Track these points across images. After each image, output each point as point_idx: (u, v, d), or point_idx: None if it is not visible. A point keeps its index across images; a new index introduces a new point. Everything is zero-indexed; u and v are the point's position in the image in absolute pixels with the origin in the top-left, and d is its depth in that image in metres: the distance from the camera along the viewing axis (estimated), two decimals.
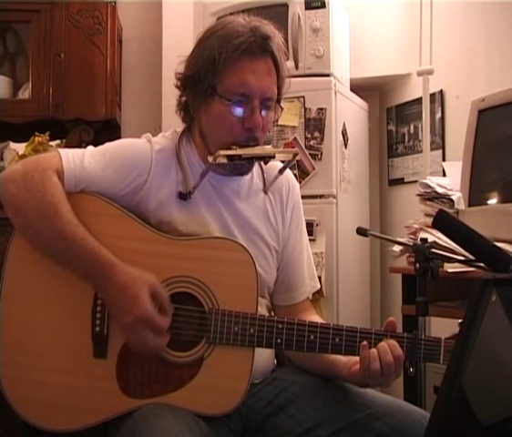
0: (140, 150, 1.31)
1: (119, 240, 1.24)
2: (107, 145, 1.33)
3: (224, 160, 1.26)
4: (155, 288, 1.18)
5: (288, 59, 1.37)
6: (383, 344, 1.19)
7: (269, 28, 1.30)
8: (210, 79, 1.27)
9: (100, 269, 1.18)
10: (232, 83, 1.26)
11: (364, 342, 1.20)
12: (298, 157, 1.41)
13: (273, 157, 1.30)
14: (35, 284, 1.25)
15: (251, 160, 1.29)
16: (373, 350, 1.19)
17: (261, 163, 1.37)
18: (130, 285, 1.17)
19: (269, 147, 1.31)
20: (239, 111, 1.26)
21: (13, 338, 1.23)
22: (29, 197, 1.20)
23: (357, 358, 1.22)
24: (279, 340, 1.23)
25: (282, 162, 1.39)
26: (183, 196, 1.30)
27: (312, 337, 1.23)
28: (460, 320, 1.14)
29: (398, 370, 1.19)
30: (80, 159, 1.26)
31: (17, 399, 1.21)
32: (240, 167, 1.29)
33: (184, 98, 1.36)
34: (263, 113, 1.28)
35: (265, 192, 1.40)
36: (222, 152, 1.26)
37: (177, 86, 1.36)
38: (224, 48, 1.25)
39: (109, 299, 1.20)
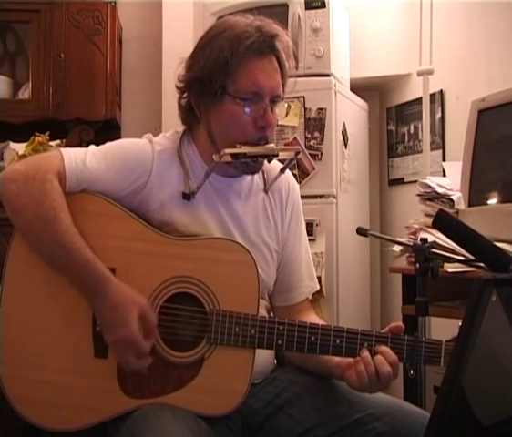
0: (142, 151, 1.31)
1: (120, 240, 1.24)
2: (109, 145, 1.32)
3: (229, 159, 1.26)
4: (144, 311, 1.19)
5: (295, 56, 1.36)
6: (378, 357, 1.19)
7: (275, 27, 1.30)
8: (221, 80, 1.26)
9: (94, 283, 1.18)
10: (244, 82, 1.26)
11: (362, 368, 1.18)
12: (300, 156, 1.40)
13: (277, 154, 1.31)
14: (35, 284, 1.24)
15: (256, 158, 1.29)
16: (378, 357, 1.18)
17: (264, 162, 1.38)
18: (122, 303, 1.17)
19: (271, 145, 1.31)
20: (251, 110, 1.26)
21: (13, 337, 1.23)
22: (29, 200, 1.20)
23: (349, 359, 1.22)
24: (280, 342, 1.23)
25: (282, 162, 1.39)
26: (187, 196, 1.30)
27: (312, 338, 1.22)
28: (461, 323, 1.15)
29: (395, 374, 1.20)
30: (82, 159, 1.26)
31: (18, 398, 1.21)
32: (250, 166, 1.29)
33: (186, 100, 1.35)
34: (272, 111, 1.29)
35: (266, 192, 1.41)
36: (228, 150, 1.26)
37: (179, 89, 1.35)
38: (235, 49, 1.25)
39: (99, 313, 1.20)
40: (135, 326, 1.16)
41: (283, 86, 1.33)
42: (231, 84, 1.27)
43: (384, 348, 1.20)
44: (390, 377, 1.18)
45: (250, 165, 1.30)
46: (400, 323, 1.24)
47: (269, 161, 1.34)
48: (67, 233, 1.19)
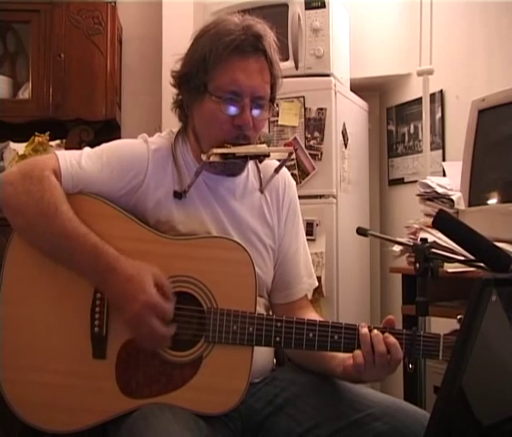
0: (137, 151, 1.32)
1: (118, 241, 1.24)
2: (104, 146, 1.33)
3: (218, 159, 1.26)
4: (158, 277, 1.19)
5: (283, 58, 1.36)
6: (376, 333, 1.20)
7: (261, 27, 1.30)
8: (202, 77, 1.27)
9: (104, 263, 1.19)
10: (223, 81, 1.26)
11: (365, 329, 1.20)
12: (293, 156, 1.40)
13: (268, 155, 1.30)
14: (33, 286, 1.24)
15: (245, 159, 1.29)
16: (376, 333, 1.19)
17: (257, 162, 1.37)
18: (135, 273, 1.18)
19: (263, 145, 1.31)
20: (229, 109, 1.27)
21: (12, 340, 1.23)
22: (28, 197, 1.20)
23: (350, 354, 1.22)
24: (278, 339, 1.23)
25: (278, 161, 1.39)
26: (178, 194, 1.31)
27: (310, 335, 1.23)
28: (459, 316, 1.15)
29: (394, 360, 1.19)
30: (77, 161, 1.27)
31: (17, 400, 1.21)
32: (232, 166, 1.30)
33: (180, 97, 1.36)
34: (255, 112, 1.28)
35: (261, 191, 1.40)
36: (216, 150, 1.26)
37: (172, 85, 1.37)
38: (215, 46, 1.26)
39: (114, 291, 1.19)
40: (153, 290, 1.17)
41: (273, 86, 1.32)
42: (211, 81, 1.27)
43: (387, 333, 1.20)
44: (385, 357, 1.18)
45: (237, 166, 1.30)
46: (390, 316, 1.25)
47: (260, 162, 1.34)
48: (70, 223, 1.20)
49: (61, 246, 1.20)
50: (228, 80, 1.26)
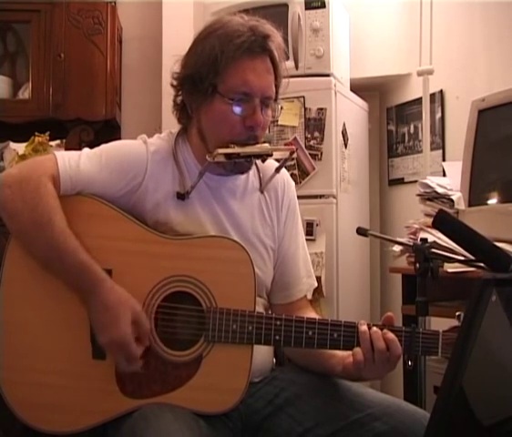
0: (136, 152, 1.32)
1: (116, 241, 1.24)
2: (103, 147, 1.33)
3: (223, 159, 1.26)
4: (138, 316, 1.18)
5: (288, 59, 1.36)
6: (375, 330, 1.20)
7: (268, 27, 1.30)
8: (211, 78, 1.27)
9: (88, 283, 1.18)
10: (234, 82, 1.26)
11: (364, 327, 1.21)
12: (295, 155, 1.40)
13: (271, 154, 1.30)
14: (33, 287, 1.24)
15: (250, 158, 1.29)
16: (375, 330, 1.20)
17: (258, 162, 1.38)
18: (115, 305, 1.17)
19: (266, 145, 1.31)
20: (240, 110, 1.27)
21: (12, 341, 1.23)
22: (23, 203, 1.20)
23: (350, 353, 1.22)
24: (277, 337, 1.23)
25: (278, 161, 1.39)
26: (181, 196, 1.30)
27: (310, 333, 1.23)
28: (458, 313, 1.15)
29: (394, 355, 1.19)
30: (76, 162, 1.26)
31: (17, 402, 1.21)
32: (239, 165, 1.29)
33: (180, 98, 1.36)
34: (264, 112, 1.29)
35: (261, 191, 1.40)
36: (221, 150, 1.26)
37: (173, 86, 1.36)
38: (226, 47, 1.25)
39: (92, 313, 1.19)
40: (126, 328, 1.16)
41: (277, 87, 1.32)
42: (222, 83, 1.27)
43: (385, 330, 1.21)
44: (384, 354, 1.18)
45: (244, 165, 1.30)
46: (389, 313, 1.25)
47: (263, 161, 1.34)
48: (62, 235, 1.19)
49: (51, 257, 1.20)
50: (239, 81, 1.26)
